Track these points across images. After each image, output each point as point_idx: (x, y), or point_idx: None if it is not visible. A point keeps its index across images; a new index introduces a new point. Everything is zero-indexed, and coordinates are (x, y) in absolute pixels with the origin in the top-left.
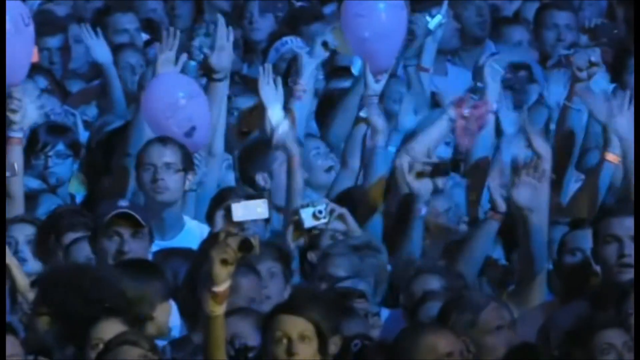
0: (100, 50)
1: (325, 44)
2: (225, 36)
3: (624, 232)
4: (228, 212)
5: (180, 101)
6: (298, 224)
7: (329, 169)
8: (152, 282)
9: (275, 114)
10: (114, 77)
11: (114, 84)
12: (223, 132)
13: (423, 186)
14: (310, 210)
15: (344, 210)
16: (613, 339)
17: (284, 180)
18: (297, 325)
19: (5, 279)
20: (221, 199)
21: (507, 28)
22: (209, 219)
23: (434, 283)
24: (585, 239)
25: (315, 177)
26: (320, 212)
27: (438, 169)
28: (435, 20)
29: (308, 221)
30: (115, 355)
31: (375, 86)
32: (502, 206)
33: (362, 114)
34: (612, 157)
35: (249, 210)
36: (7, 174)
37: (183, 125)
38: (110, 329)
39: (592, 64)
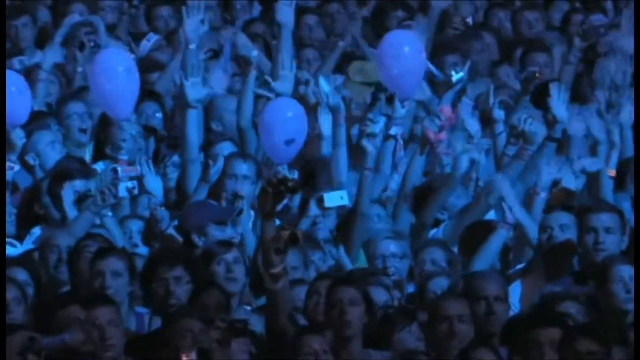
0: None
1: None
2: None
3: (599, 224)
4: (320, 201)
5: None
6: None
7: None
8: None
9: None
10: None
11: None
12: None
13: None
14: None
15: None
16: (570, 308)
17: None
18: (348, 292)
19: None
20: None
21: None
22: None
23: (438, 253)
24: (556, 220)
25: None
26: (342, 197)
27: None
28: (458, 75)
29: (329, 202)
30: None
31: (402, 111)
32: (510, 218)
33: (392, 132)
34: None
35: (335, 199)
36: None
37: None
38: None
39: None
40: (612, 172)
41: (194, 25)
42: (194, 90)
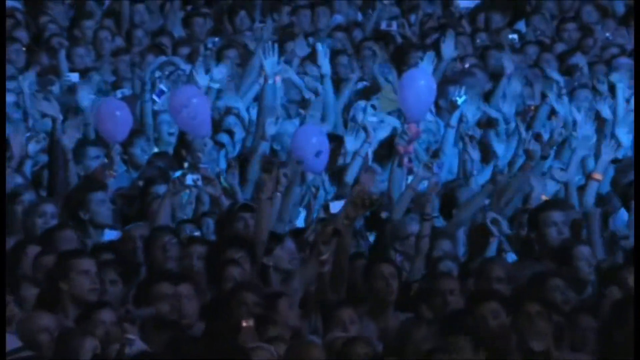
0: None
1: (373, 107)
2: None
3: (558, 219)
4: (326, 208)
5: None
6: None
7: None
8: None
9: None
10: None
11: None
12: None
13: None
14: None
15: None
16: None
17: None
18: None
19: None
20: None
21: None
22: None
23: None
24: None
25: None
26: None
27: None
28: (462, 99)
29: (334, 209)
30: None
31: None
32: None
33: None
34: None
35: (339, 206)
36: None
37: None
38: None
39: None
40: (598, 176)
41: (271, 64)
42: (270, 127)
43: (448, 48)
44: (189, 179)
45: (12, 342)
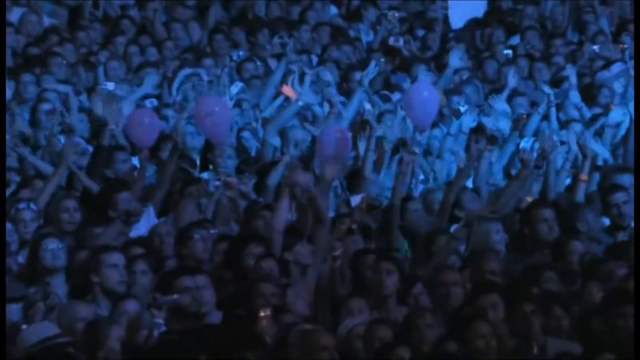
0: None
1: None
2: None
3: (549, 216)
4: (347, 201)
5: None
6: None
7: None
8: None
9: None
10: None
11: None
12: None
13: None
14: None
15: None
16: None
17: None
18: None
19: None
20: None
21: None
22: None
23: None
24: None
25: None
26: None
27: None
28: (464, 107)
29: (355, 202)
30: None
31: (420, 137)
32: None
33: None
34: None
35: (358, 200)
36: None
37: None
38: None
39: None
40: (585, 177)
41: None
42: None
43: (455, 59)
44: (211, 185)
45: (51, 329)
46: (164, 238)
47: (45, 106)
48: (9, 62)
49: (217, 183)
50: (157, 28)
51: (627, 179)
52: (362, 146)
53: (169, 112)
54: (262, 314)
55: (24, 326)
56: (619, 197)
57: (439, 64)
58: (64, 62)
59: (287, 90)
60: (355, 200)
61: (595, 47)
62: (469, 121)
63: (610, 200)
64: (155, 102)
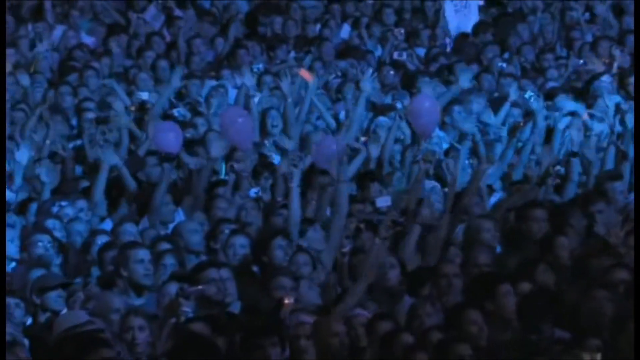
0: None
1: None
2: None
3: (540, 216)
4: (372, 202)
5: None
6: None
7: None
8: None
9: None
10: None
11: None
12: None
13: None
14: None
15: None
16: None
17: None
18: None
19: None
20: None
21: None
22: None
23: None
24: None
25: None
26: (386, 200)
27: None
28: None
29: (380, 203)
30: None
31: (425, 145)
32: None
33: (420, 157)
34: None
35: (383, 201)
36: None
37: None
38: None
39: None
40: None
41: (287, 84)
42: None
43: (465, 81)
44: (252, 191)
45: (82, 317)
46: (187, 235)
47: (89, 115)
48: (47, 74)
49: (256, 189)
50: (181, 44)
51: (619, 186)
52: (374, 150)
53: (199, 121)
54: (286, 301)
55: (64, 311)
56: (598, 206)
57: (443, 78)
58: (99, 74)
59: (304, 73)
60: (382, 202)
61: (581, 62)
62: (468, 128)
63: (589, 209)
64: (182, 111)
